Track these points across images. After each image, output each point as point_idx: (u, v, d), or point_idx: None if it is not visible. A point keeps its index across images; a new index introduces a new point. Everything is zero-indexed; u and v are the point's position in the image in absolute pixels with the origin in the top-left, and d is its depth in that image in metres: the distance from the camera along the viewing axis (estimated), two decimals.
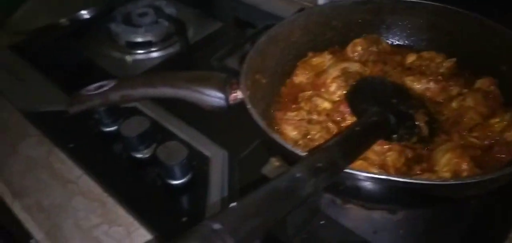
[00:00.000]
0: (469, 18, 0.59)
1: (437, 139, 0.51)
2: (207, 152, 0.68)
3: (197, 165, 0.65)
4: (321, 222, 0.55)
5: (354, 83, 0.57)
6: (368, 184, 0.40)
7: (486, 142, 0.50)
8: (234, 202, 0.31)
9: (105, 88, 0.54)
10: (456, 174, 0.46)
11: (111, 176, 0.66)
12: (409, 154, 0.51)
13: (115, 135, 0.72)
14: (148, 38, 0.90)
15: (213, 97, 0.54)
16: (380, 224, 0.55)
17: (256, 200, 0.32)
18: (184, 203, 0.63)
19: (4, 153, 0.72)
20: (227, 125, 0.71)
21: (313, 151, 0.39)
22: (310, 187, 0.33)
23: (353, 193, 0.44)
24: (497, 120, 0.50)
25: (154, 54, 0.91)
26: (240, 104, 0.54)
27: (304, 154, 0.41)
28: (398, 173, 0.48)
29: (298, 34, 0.64)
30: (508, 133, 0.49)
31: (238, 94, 0.54)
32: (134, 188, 0.66)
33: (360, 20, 0.66)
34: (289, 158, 0.44)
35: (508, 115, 0.51)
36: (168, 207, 0.63)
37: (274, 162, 0.67)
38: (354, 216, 0.56)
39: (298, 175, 0.32)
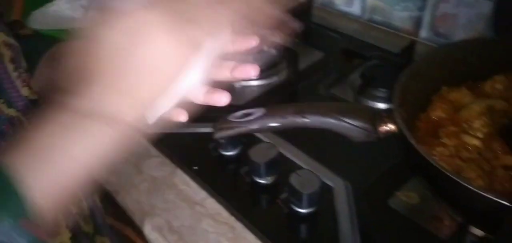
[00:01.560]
0: None
1: None
2: (330, 183, 0.68)
3: (323, 195, 0.65)
4: None
5: (507, 121, 0.55)
6: None
7: None
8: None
9: (252, 117, 0.56)
10: None
11: (237, 200, 0.68)
12: None
13: (236, 159, 0.73)
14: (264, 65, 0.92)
15: (363, 129, 0.54)
16: None
17: None
18: (314, 232, 0.63)
19: (130, 173, 0.75)
20: (347, 157, 0.71)
21: None
22: None
23: None
24: None
25: (257, 82, 0.93)
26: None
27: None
28: None
29: (436, 69, 0.63)
30: None
31: (388, 128, 0.54)
32: (261, 213, 0.67)
33: (497, 58, 0.64)
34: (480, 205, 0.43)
35: None
36: (297, 235, 0.64)
37: (400, 196, 0.66)
38: None
39: None
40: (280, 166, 0.69)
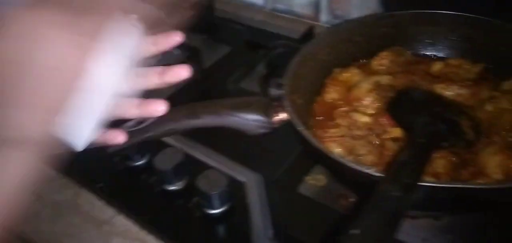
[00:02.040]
0: (488, 24, 0.61)
1: (480, 142, 0.53)
2: (242, 178, 0.68)
3: (234, 192, 0.64)
4: None
5: (392, 95, 0.58)
6: (439, 195, 0.40)
7: None
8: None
9: (146, 124, 0.53)
10: (507, 175, 0.47)
11: (147, 212, 0.65)
12: (454, 159, 0.52)
13: (143, 169, 0.71)
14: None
15: (258, 121, 0.54)
16: (427, 231, 0.56)
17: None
18: (228, 231, 0.63)
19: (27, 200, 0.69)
20: (256, 149, 0.71)
21: (390, 172, 0.40)
22: (402, 206, 0.33)
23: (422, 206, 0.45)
24: None
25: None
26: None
27: (380, 175, 0.41)
28: (450, 179, 0.49)
29: (325, 52, 0.65)
30: None
31: (281, 116, 0.54)
32: (173, 222, 0.65)
33: (382, 34, 0.68)
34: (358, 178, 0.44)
35: None
36: (211, 237, 0.63)
37: (309, 180, 0.68)
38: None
39: (394, 193, 0.33)
40: (189, 169, 0.67)
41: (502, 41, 0.61)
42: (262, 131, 0.54)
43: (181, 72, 0.40)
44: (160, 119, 0.54)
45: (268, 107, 0.54)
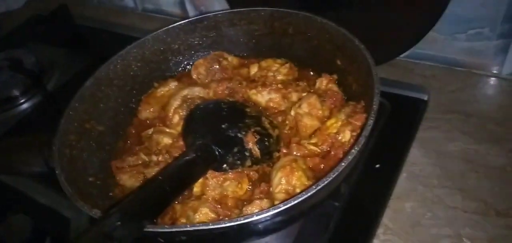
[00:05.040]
0: (299, 17, 0.56)
1: (277, 155, 0.48)
2: (68, 214, 0.61)
3: (53, 231, 0.58)
4: None
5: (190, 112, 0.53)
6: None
7: (324, 147, 0.47)
8: None
9: None
10: (289, 193, 0.43)
11: None
12: (254, 176, 0.48)
13: None
14: (8, 94, 0.82)
15: (34, 163, 0.48)
16: None
17: None
18: None
19: None
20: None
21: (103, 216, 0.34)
22: None
23: None
24: (333, 121, 0.48)
25: (21, 108, 0.82)
26: None
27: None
28: (239, 202, 0.45)
29: (137, 67, 0.59)
30: (343, 133, 0.46)
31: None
32: None
33: (201, 39, 0.62)
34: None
35: (342, 114, 0.48)
36: None
37: None
38: None
39: None
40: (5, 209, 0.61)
41: (314, 34, 0.56)
42: (38, 170, 0.48)
43: None
44: None
45: (45, 145, 0.48)
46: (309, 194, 0.37)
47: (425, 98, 0.58)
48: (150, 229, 0.36)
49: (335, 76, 0.54)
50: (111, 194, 0.50)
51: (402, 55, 0.64)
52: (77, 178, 0.47)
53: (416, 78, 0.62)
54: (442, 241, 0.45)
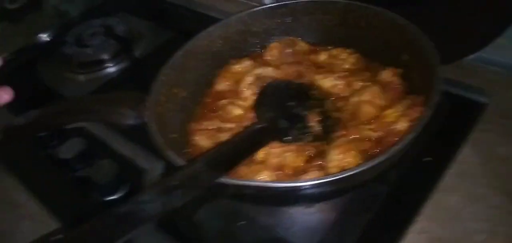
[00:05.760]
0: (374, 13, 0.61)
1: (335, 135, 0.54)
2: (145, 165, 0.71)
3: (132, 178, 0.67)
4: (242, 223, 0.58)
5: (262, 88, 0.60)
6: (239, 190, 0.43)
7: (380, 133, 0.52)
8: None
9: (20, 123, 0.57)
10: (342, 168, 0.48)
11: (55, 199, 0.69)
12: (312, 152, 0.53)
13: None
14: (99, 56, 0.93)
15: (128, 116, 0.57)
16: (297, 218, 0.57)
17: (93, 227, 0.35)
18: None
19: None
20: None
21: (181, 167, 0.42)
22: (159, 207, 0.36)
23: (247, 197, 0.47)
24: (391, 111, 0.52)
25: (108, 70, 0.94)
26: None
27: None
28: (296, 171, 0.51)
29: (219, 44, 0.67)
30: (400, 123, 0.51)
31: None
32: (76, 209, 0.69)
33: (278, 24, 0.68)
34: None
35: (402, 105, 0.53)
36: None
37: None
38: (272, 213, 0.59)
39: (142, 198, 0.36)
40: (98, 156, 0.71)
41: (384, 29, 0.60)
42: (133, 124, 0.57)
43: (2, 96, 0.43)
44: (38, 117, 0.58)
45: (139, 102, 0.57)
46: (360, 169, 0.42)
47: (485, 101, 0.60)
48: (225, 180, 0.43)
49: (400, 70, 0.58)
50: (185, 151, 0.59)
51: (467, 58, 0.66)
52: (163, 134, 0.55)
53: (478, 81, 0.64)
54: (476, 235, 0.48)
